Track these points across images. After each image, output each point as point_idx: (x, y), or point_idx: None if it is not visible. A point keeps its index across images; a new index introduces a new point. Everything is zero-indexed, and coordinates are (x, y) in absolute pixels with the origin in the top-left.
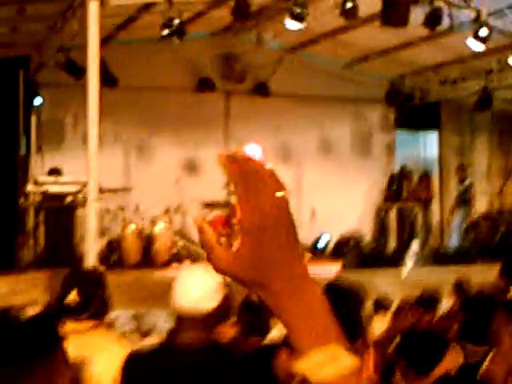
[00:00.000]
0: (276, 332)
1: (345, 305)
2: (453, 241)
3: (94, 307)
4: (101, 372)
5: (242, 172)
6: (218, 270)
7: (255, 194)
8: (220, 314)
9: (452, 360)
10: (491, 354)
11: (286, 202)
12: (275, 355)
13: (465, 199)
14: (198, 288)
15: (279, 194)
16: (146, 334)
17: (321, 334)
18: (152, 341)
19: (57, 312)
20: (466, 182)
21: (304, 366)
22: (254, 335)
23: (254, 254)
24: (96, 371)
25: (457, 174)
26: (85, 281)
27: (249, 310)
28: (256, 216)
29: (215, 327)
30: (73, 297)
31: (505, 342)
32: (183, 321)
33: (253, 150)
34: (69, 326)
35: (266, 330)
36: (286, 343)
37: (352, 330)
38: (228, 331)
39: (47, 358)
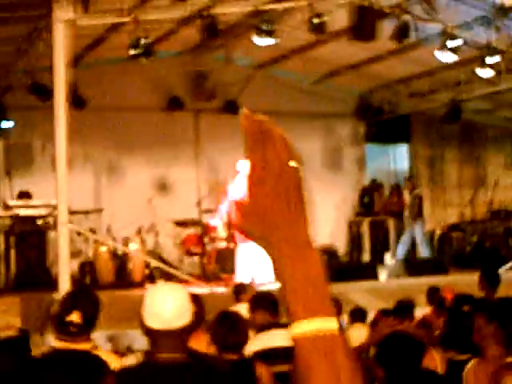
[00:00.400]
0: (251, 347)
1: None
2: (423, 252)
3: (92, 328)
4: None
5: (256, 130)
6: (234, 225)
7: (264, 150)
8: (191, 328)
9: (430, 363)
10: (474, 360)
11: (296, 171)
12: (253, 369)
13: (418, 210)
14: (168, 307)
15: (292, 163)
16: (122, 354)
17: (316, 303)
18: (129, 361)
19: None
20: (415, 192)
21: (295, 332)
22: (229, 351)
23: (259, 208)
24: None
25: (405, 185)
26: (86, 302)
27: (223, 325)
28: (263, 170)
29: (187, 341)
30: (75, 318)
31: (487, 347)
32: (157, 340)
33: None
34: (69, 347)
35: (241, 346)
36: (261, 358)
37: None
38: (203, 347)
39: None
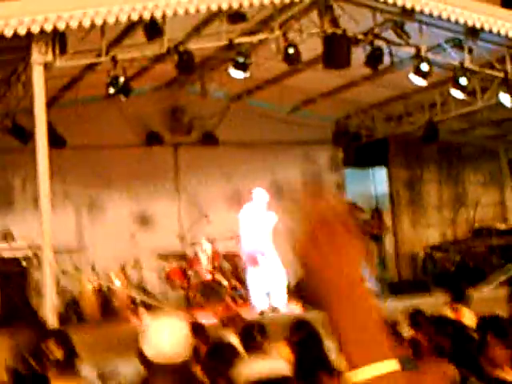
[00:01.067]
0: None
1: (310, 342)
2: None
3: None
4: None
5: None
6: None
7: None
8: (190, 364)
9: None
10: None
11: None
12: None
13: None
14: (169, 342)
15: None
16: None
17: (375, 348)
18: None
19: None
20: (362, 217)
21: (359, 378)
22: (222, 380)
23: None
24: None
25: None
26: (66, 339)
27: (215, 356)
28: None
29: (187, 374)
30: (57, 354)
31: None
32: (156, 374)
33: (260, 194)
34: None
35: (231, 376)
36: None
37: (317, 364)
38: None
39: None
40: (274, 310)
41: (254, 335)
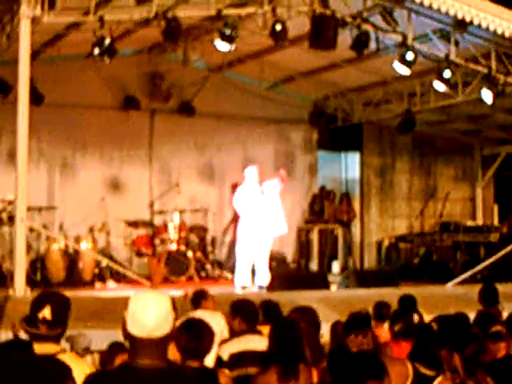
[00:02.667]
0: (228, 349)
1: (286, 329)
2: None
3: (62, 329)
4: None
5: None
6: None
7: None
8: (171, 336)
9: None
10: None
11: None
12: (216, 378)
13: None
14: (153, 316)
15: None
16: (81, 355)
17: None
18: (89, 362)
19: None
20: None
21: None
22: (192, 358)
23: None
24: None
25: None
26: (57, 302)
27: (187, 332)
28: None
29: (167, 349)
30: (45, 315)
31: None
32: (138, 346)
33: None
34: (39, 348)
35: (204, 353)
36: (237, 360)
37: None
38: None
39: None
40: (261, 288)
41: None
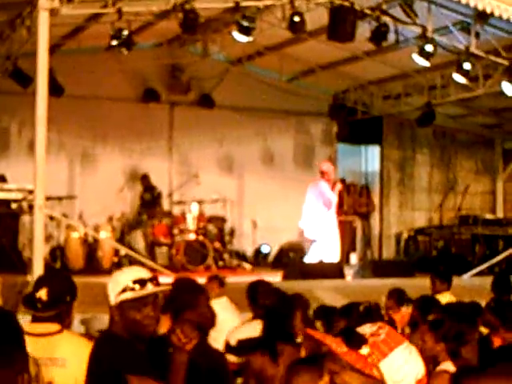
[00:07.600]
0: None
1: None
2: None
3: (60, 309)
4: (76, 374)
5: None
6: None
7: None
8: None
9: None
10: None
11: None
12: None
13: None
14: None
15: None
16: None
17: None
18: None
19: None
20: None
21: None
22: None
23: None
24: (70, 373)
25: None
26: (55, 284)
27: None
28: None
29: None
30: (42, 295)
31: None
32: None
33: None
34: (34, 328)
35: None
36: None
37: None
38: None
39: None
40: None
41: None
